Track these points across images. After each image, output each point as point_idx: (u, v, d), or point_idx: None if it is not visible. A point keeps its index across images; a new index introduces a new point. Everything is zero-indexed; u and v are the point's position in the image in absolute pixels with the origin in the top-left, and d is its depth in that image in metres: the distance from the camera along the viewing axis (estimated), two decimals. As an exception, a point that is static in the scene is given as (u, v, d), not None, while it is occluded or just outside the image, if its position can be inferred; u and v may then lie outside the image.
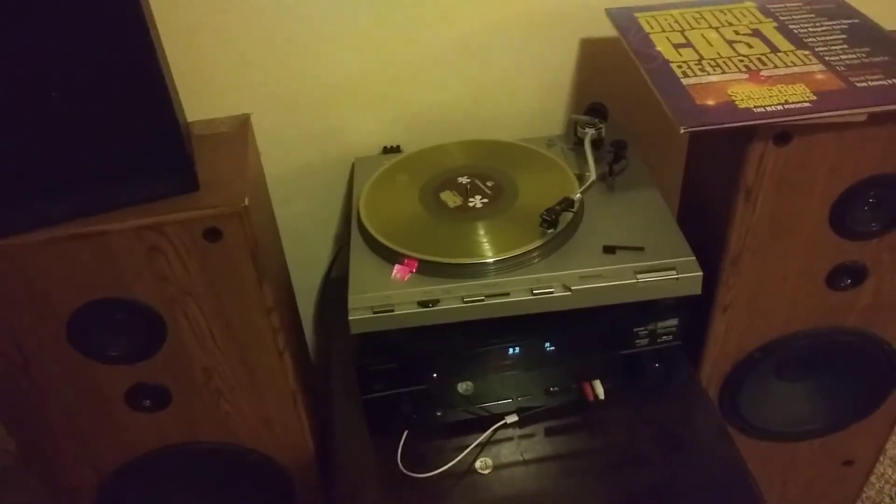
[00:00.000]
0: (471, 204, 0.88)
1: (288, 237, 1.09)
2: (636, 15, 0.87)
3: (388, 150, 1.05)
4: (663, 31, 0.84)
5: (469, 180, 0.92)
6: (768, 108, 0.70)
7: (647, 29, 0.84)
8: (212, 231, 0.67)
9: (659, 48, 0.81)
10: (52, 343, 0.71)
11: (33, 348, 0.72)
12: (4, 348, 0.71)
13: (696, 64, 0.78)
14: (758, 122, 0.69)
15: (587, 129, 0.95)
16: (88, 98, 0.62)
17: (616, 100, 1.03)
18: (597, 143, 0.96)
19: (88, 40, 0.60)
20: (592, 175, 0.88)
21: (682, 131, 0.69)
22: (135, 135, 0.65)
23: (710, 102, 0.71)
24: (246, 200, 0.66)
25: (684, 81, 0.75)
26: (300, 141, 1.03)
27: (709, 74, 0.76)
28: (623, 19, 0.87)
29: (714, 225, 0.85)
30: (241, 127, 0.80)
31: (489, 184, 0.91)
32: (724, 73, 0.76)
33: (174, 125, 0.65)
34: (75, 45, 0.60)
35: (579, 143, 0.97)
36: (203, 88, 0.93)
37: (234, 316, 0.74)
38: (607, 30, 0.95)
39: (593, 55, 1.01)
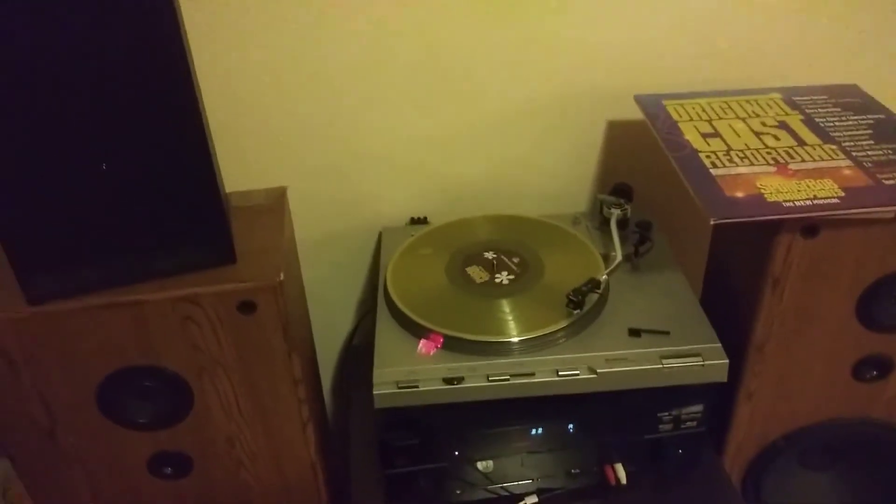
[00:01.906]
0: (497, 280, 0.89)
1: (310, 298, 1.10)
2: (664, 102, 0.89)
3: (415, 221, 1.06)
4: (691, 119, 0.86)
5: (495, 256, 0.93)
6: (797, 203, 0.71)
7: (675, 117, 0.86)
8: (247, 304, 0.68)
9: (687, 137, 0.83)
10: (81, 408, 0.72)
11: (61, 413, 0.72)
12: (33, 412, 0.71)
13: (724, 154, 0.79)
14: (787, 216, 0.70)
15: (613, 210, 0.97)
16: (134, 167, 0.64)
17: (640, 180, 1.05)
18: (622, 223, 0.97)
19: (140, 110, 0.62)
20: (618, 256, 0.89)
21: (712, 222, 0.70)
22: (177, 205, 0.67)
23: (740, 194, 0.72)
24: (281, 275, 0.68)
25: (713, 172, 0.76)
26: (329, 207, 1.05)
27: (737, 166, 0.77)
28: (651, 106, 0.89)
29: (739, 312, 0.85)
30: (278, 200, 0.82)
31: (515, 260, 0.93)
32: (752, 165, 0.77)
33: (217, 197, 0.67)
34: (127, 114, 0.62)
35: (605, 222, 0.99)
36: (237, 155, 0.96)
37: (262, 386, 0.74)
38: (633, 112, 0.97)
39: (619, 136, 1.04)
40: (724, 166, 0.77)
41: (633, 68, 0.98)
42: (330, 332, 1.16)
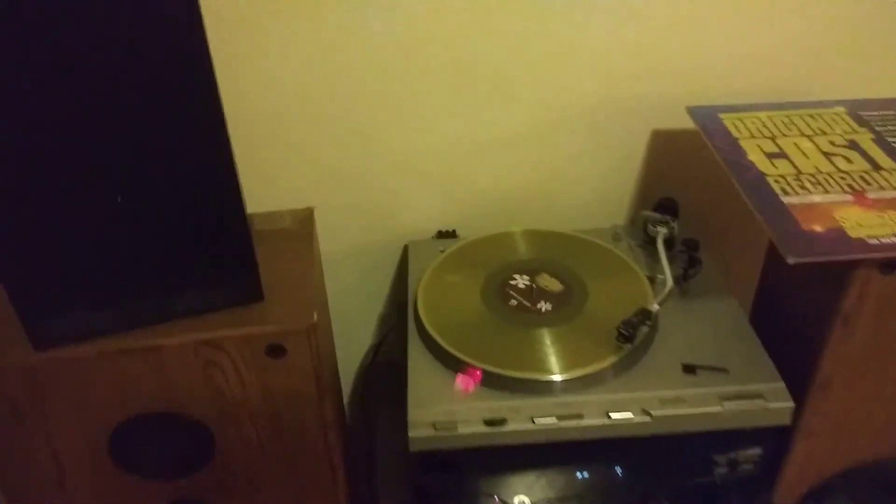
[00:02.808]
0: (538, 306, 0.83)
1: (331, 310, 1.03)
2: (721, 116, 0.82)
3: (442, 235, 1.00)
4: (752, 136, 0.79)
5: (534, 279, 0.87)
6: (883, 240, 0.64)
7: (734, 133, 0.79)
8: (276, 348, 0.61)
9: (751, 157, 0.76)
10: (92, 456, 0.66)
11: (71, 461, 0.66)
12: (41, 460, 0.65)
13: (794, 179, 0.73)
14: (875, 255, 0.63)
15: (659, 228, 0.90)
16: (152, 199, 0.57)
17: (683, 193, 0.98)
18: (668, 243, 0.91)
19: (160, 135, 0.55)
20: (668, 282, 0.83)
21: (791, 262, 0.63)
22: (200, 240, 0.60)
23: (818, 229, 0.66)
24: (314, 316, 0.61)
25: (785, 200, 0.69)
26: (352, 218, 0.98)
27: (810, 193, 0.70)
28: (707, 119, 0.82)
29: (800, 346, 0.79)
30: (305, 223, 0.75)
31: (556, 283, 0.86)
32: (826, 192, 0.71)
33: (244, 230, 0.60)
34: (145, 139, 0.55)
35: (648, 240, 0.92)
36: (256, 167, 0.89)
37: (290, 431, 0.68)
38: (679, 122, 0.91)
39: (664, 147, 0.97)
40: (797, 193, 0.70)
41: (681, 74, 0.91)
42: (350, 345, 1.09)
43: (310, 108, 0.87)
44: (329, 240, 0.98)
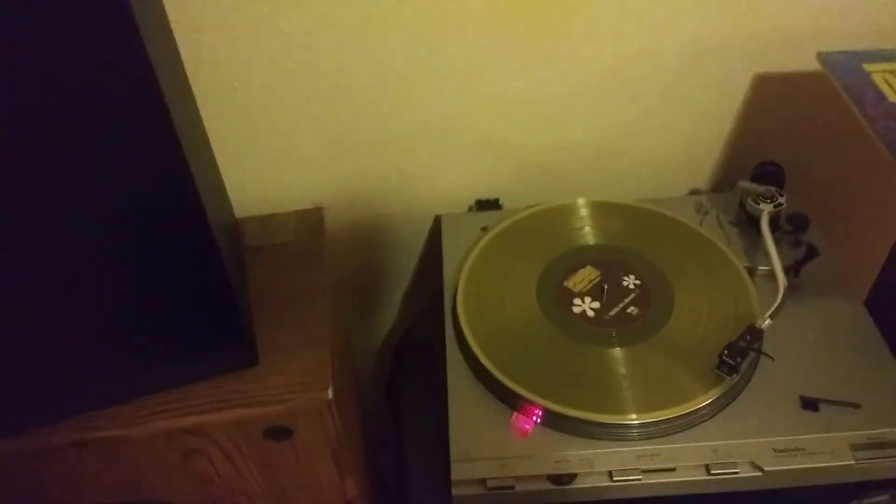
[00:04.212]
0: (610, 314, 0.65)
1: (348, 290, 0.87)
2: (867, 68, 0.61)
3: (483, 206, 0.81)
4: (913, 96, 0.58)
5: (605, 275, 0.69)
6: None
7: (889, 95, 0.58)
8: (278, 431, 0.45)
9: (916, 130, 0.55)
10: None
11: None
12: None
13: (979, 164, 0.53)
14: None
15: (763, 205, 0.71)
16: (94, 250, 0.39)
17: (785, 157, 0.77)
18: (774, 223, 0.71)
19: (96, 164, 0.37)
20: (781, 286, 0.64)
21: None
22: (166, 295, 0.42)
23: None
24: (329, 392, 0.44)
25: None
26: (373, 184, 0.79)
27: None
28: (849, 73, 0.61)
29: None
30: (313, 231, 0.56)
31: (633, 281, 0.68)
32: None
33: (224, 279, 0.42)
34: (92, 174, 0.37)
35: (746, 218, 0.73)
36: (266, 134, 0.69)
37: (301, 507, 0.53)
38: (791, 63, 0.70)
39: (768, 96, 0.76)
40: None
41: (792, 4, 0.68)
42: (368, 328, 0.93)
43: (324, 64, 0.66)
44: (344, 211, 0.79)
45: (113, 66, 0.34)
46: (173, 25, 0.59)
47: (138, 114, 0.35)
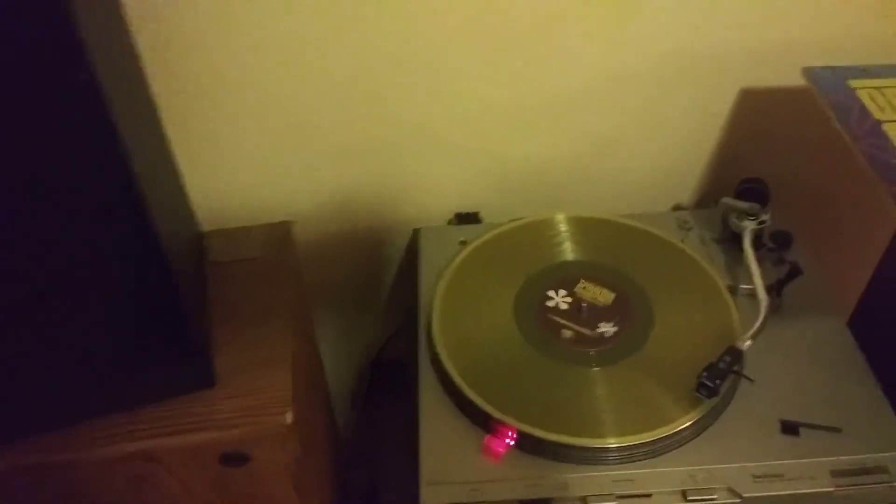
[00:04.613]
0: (589, 333, 0.64)
1: (320, 303, 0.85)
2: (852, 84, 0.60)
3: (462, 219, 0.79)
4: (898, 114, 0.57)
5: (585, 293, 0.67)
6: None
7: (874, 112, 0.57)
8: (233, 457, 0.43)
9: (900, 149, 0.54)
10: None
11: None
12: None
13: (964, 185, 0.51)
14: None
15: (746, 223, 0.69)
16: (34, 261, 0.37)
17: (769, 173, 0.76)
18: (758, 240, 0.70)
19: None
20: (762, 305, 0.63)
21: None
22: (117, 312, 0.40)
23: None
24: (289, 416, 0.42)
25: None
26: (349, 196, 0.77)
27: None
28: (834, 89, 0.59)
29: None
30: (281, 246, 0.54)
31: (613, 298, 0.67)
32: None
33: (174, 296, 0.41)
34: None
35: (729, 236, 0.72)
36: (236, 140, 0.67)
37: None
38: (776, 78, 0.69)
39: (753, 111, 0.74)
40: (971, 210, 0.50)
41: (789, 15, 0.67)
42: (346, 343, 0.91)
43: (297, 70, 0.65)
44: (316, 222, 0.78)
45: (49, 63, 0.32)
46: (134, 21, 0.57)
47: (79, 120, 0.33)
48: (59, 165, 0.34)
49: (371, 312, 0.88)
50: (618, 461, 0.57)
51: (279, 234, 0.56)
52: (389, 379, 0.91)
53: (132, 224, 0.35)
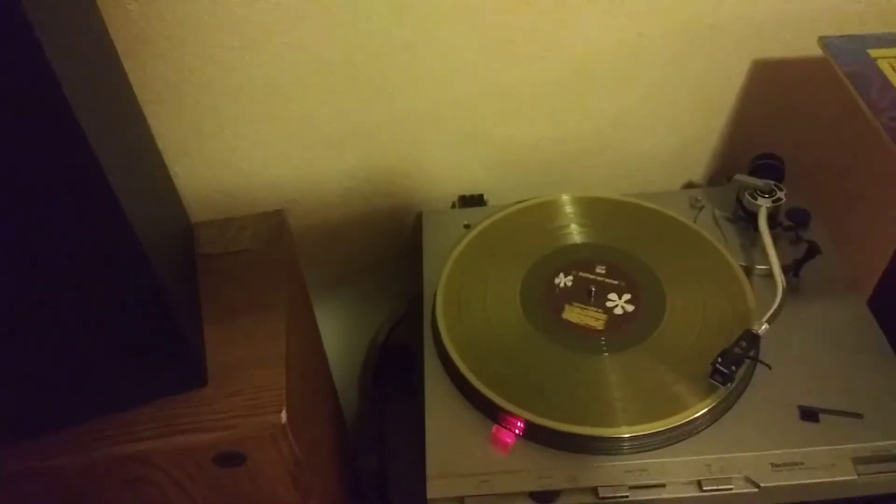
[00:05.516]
0: (599, 318, 0.62)
1: (323, 291, 0.83)
2: (872, 54, 0.57)
3: (467, 202, 0.77)
4: (920, 83, 0.54)
5: (594, 277, 0.65)
6: None
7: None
8: (229, 457, 0.41)
9: (924, 121, 0.51)
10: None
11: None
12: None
13: None
14: None
15: (760, 200, 0.67)
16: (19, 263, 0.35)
17: (785, 148, 0.73)
18: (772, 218, 0.67)
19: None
20: (779, 288, 0.60)
21: None
22: (103, 311, 0.38)
23: None
24: (283, 416, 0.40)
25: None
26: (352, 180, 0.75)
27: None
28: (852, 58, 0.57)
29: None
30: (273, 236, 0.52)
31: (623, 282, 0.64)
32: None
33: (158, 293, 0.39)
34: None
35: (743, 214, 0.69)
36: (238, 124, 0.65)
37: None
38: (783, 48, 0.66)
39: (767, 83, 0.71)
40: None
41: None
42: (344, 330, 0.90)
43: (293, 53, 0.62)
44: (322, 209, 0.76)
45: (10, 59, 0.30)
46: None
47: (40, 116, 0.31)
48: (25, 164, 0.32)
49: (376, 298, 0.86)
50: (630, 451, 0.55)
51: (273, 224, 0.54)
52: (397, 364, 0.89)
53: (104, 215, 0.33)
